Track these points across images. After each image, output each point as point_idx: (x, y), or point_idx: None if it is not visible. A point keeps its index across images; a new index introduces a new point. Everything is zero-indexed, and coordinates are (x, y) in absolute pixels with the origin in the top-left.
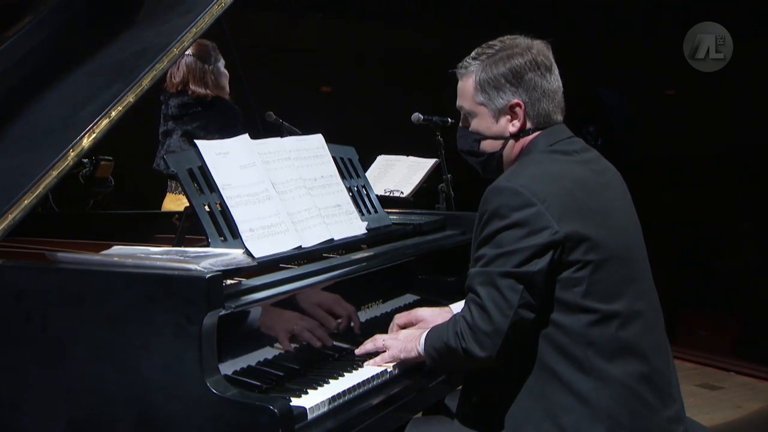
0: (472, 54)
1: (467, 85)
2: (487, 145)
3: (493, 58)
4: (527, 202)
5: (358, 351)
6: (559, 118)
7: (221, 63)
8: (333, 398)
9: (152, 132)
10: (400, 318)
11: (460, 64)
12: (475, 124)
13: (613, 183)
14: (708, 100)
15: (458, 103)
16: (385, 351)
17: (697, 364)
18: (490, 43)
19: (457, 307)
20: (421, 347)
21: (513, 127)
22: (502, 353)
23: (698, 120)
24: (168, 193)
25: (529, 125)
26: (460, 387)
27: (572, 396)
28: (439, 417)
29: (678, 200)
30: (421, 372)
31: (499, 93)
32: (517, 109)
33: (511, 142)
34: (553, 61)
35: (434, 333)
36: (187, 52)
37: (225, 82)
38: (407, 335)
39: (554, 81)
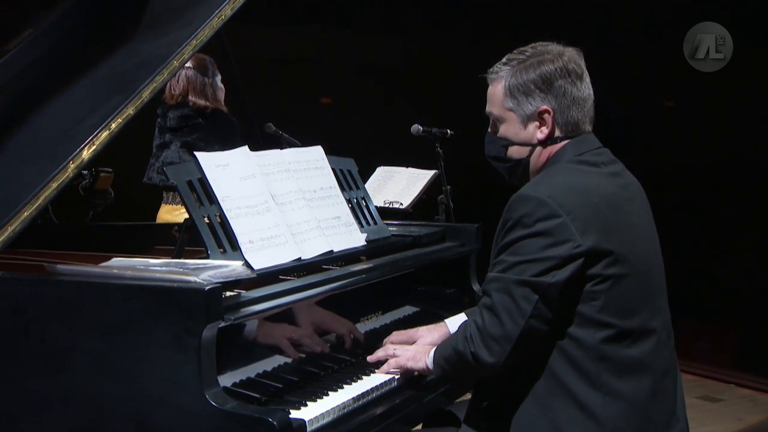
0: (503, 59)
1: (497, 90)
2: (515, 152)
3: (524, 64)
4: (553, 213)
5: (370, 358)
6: (588, 127)
7: (218, 78)
8: (332, 410)
9: (151, 144)
10: (397, 336)
11: (491, 69)
12: (503, 130)
13: (636, 198)
14: (707, 109)
15: (487, 108)
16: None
17: (697, 376)
18: (522, 48)
19: (453, 320)
20: (429, 359)
21: (541, 134)
22: (509, 360)
23: (700, 129)
24: (163, 204)
25: (557, 133)
26: (460, 399)
27: (579, 409)
28: (442, 429)
29: (678, 211)
30: (421, 384)
31: (528, 99)
32: (546, 115)
33: (538, 149)
34: (584, 68)
35: (444, 343)
36: (186, 65)
37: (222, 96)
38: (417, 347)
39: (585, 89)
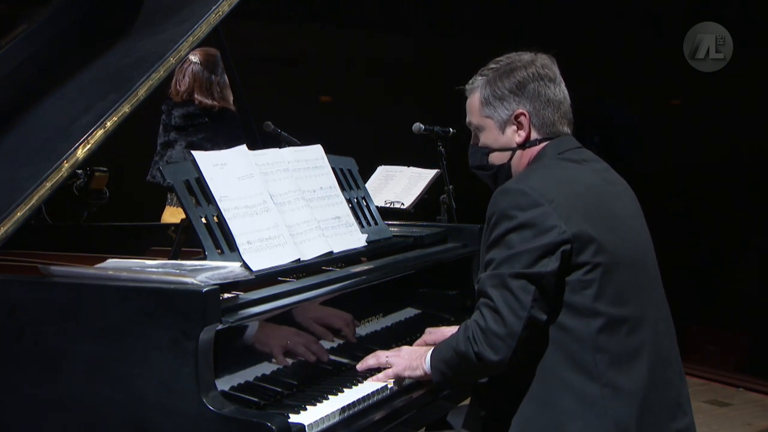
0: (479, 72)
1: (474, 100)
2: (496, 158)
3: (497, 72)
4: (535, 203)
5: (359, 366)
6: (566, 129)
7: None
8: (332, 414)
9: (151, 142)
10: (430, 335)
11: (469, 81)
12: (483, 138)
13: (623, 193)
14: (715, 109)
15: (467, 119)
16: (387, 368)
17: (706, 380)
18: (496, 59)
19: None
20: (426, 364)
21: (519, 137)
22: (514, 357)
23: (706, 129)
24: (167, 206)
25: (535, 135)
26: (463, 403)
27: (578, 402)
28: None
29: (685, 214)
30: (423, 388)
31: (503, 104)
32: (522, 118)
33: (518, 152)
34: (557, 73)
35: (441, 346)
36: (194, 60)
37: (230, 94)
38: (411, 352)
39: (559, 92)
